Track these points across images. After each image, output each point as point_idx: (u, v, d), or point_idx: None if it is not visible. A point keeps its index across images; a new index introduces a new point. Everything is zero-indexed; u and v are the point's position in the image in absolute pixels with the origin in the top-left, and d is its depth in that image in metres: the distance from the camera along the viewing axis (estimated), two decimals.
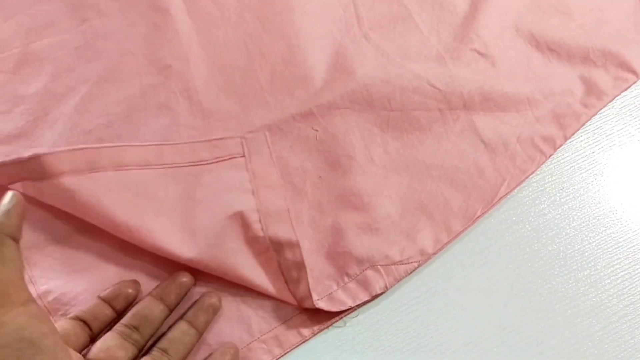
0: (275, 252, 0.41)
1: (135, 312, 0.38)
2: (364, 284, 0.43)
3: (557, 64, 0.49)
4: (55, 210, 0.41)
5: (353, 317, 0.43)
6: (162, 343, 0.38)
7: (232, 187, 0.43)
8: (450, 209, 0.45)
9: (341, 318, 0.43)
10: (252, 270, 0.42)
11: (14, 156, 0.39)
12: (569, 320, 0.43)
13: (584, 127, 0.48)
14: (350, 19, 0.49)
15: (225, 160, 0.43)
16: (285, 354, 0.42)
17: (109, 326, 0.39)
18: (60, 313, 0.41)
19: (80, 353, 0.34)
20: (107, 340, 0.37)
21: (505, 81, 0.48)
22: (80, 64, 0.46)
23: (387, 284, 0.43)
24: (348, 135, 0.46)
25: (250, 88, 0.47)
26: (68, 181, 0.39)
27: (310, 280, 0.41)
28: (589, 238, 0.45)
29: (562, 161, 0.47)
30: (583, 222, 0.46)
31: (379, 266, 0.43)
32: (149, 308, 0.39)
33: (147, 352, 0.38)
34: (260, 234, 0.41)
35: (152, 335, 0.39)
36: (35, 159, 0.39)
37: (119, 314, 0.39)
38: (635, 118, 0.49)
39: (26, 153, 0.39)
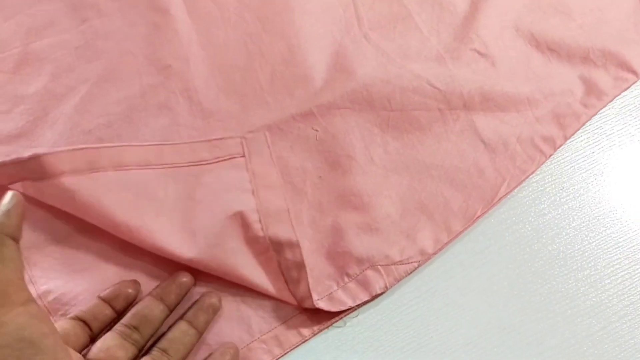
0: (275, 252, 0.41)
1: (135, 312, 0.38)
2: (364, 284, 0.43)
3: (557, 64, 0.49)
4: (55, 210, 0.41)
5: (353, 317, 0.43)
6: (162, 343, 0.38)
7: (232, 187, 0.43)
8: (450, 209, 0.45)
9: (341, 318, 0.43)
10: (252, 270, 0.42)
11: (13, 156, 0.39)
12: (569, 320, 0.43)
13: (584, 127, 0.48)
14: (350, 19, 0.49)
15: (225, 160, 0.43)
16: (285, 354, 0.42)
17: (109, 326, 0.39)
18: (60, 313, 0.41)
19: (80, 353, 0.34)
20: (107, 340, 0.37)
21: (505, 81, 0.48)
22: (80, 64, 0.46)
23: (387, 284, 0.43)
24: (348, 135, 0.46)
25: (250, 88, 0.47)
26: (68, 181, 0.39)
27: (310, 280, 0.41)
28: (589, 238, 0.45)
29: (562, 161, 0.47)
30: (583, 222, 0.46)
31: (379, 266, 0.43)
32: (149, 308, 0.39)
33: (147, 352, 0.38)
34: (260, 233, 0.41)
35: (152, 335, 0.39)
36: (35, 158, 0.39)
37: (119, 314, 0.39)
38: (635, 118, 0.49)
39: (26, 153, 0.39)
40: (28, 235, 0.42)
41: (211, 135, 0.45)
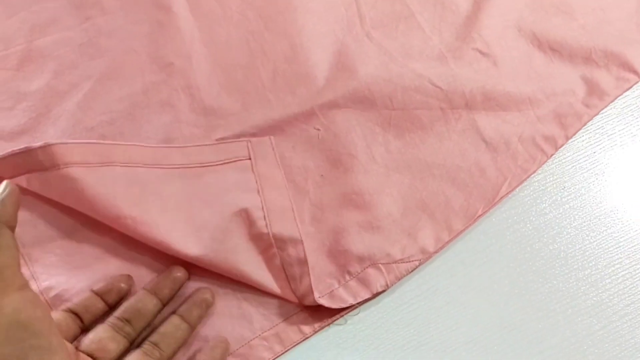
0: (278, 249, 0.41)
1: (129, 306, 0.38)
2: (365, 282, 0.43)
3: (559, 63, 0.49)
4: (58, 206, 0.42)
5: (354, 315, 0.43)
6: (154, 337, 0.38)
7: (237, 186, 0.43)
8: (451, 207, 0.45)
9: (342, 316, 0.43)
10: (255, 268, 0.42)
11: (23, 146, 0.39)
12: (569, 319, 0.43)
13: (585, 126, 0.48)
14: (352, 17, 0.49)
15: (231, 162, 0.44)
16: (286, 351, 0.42)
17: (100, 319, 0.39)
18: (61, 309, 0.41)
19: (71, 344, 0.35)
20: (99, 332, 0.37)
21: (507, 81, 0.48)
22: (83, 61, 0.47)
23: (388, 282, 0.43)
24: (350, 134, 0.46)
25: (252, 86, 0.47)
26: (76, 171, 0.39)
27: (312, 278, 0.41)
28: (590, 237, 0.45)
29: (563, 161, 0.47)
30: (584, 222, 0.46)
31: (380, 264, 0.43)
32: (142, 302, 0.39)
33: (138, 345, 0.38)
34: (265, 230, 0.41)
35: (144, 329, 0.39)
36: (46, 148, 0.39)
37: (111, 308, 0.39)
38: (636, 118, 0.49)
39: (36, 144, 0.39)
40: (30, 232, 0.42)
41: (213, 133, 0.45)
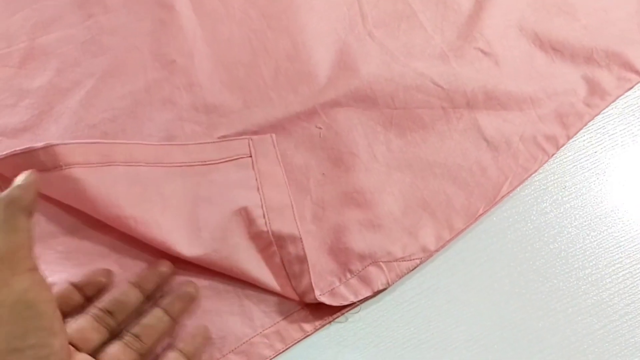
0: (278, 247, 0.42)
1: (112, 298, 0.38)
2: (366, 280, 0.43)
3: (561, 63, 0.49)
4: (60, 204, 0.42)
5: (355, 313, 0.43)
6: (136, 328, 0.38)
7: (237, 184, 0.43)
8: (452, 206, 0.45)
9: (343, 314, 0.43)
10: (255, 266, 0.42)
11: (25, 146, 0.39)
12: (569, 319, 0.44)
13: (586, 126, 0.48)
14: (354, 16, 0.49)
15: (232, 160, 0.44)
16: (287, 348, 0.42)
17: (77, 311, 0.38)
18: None
19: None
20: (80, 323, 0.37)
21: (508, 80, 0.48)
22: (86, 58, 0.47)
23: (389, 281, 0.43)
24: (351, 132, 0.46)
25: (254, 84, 0.47)
26: (78, 171, 0.39)
27: (313, 276, 0.41)
28: (590, 237, 0.46)
29: (564, 160, 0.48)
30: (585, 221, 0.46)
31: (381, 262, 0.43)
32: (125, 294, 0.39)
33: (120, 337, 0.37)
34: (264, 228, 0.42)
35: (125, 321, 0.39)
36: (47, 148, 0.39)
37: (88, 300, 0.39)
38: (638, 118, 0.49)
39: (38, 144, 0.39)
40: None
41: (214, 131, 0.45)
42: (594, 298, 0.44)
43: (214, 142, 0.44)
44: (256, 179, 0.43)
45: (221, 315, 0.42)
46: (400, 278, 0.43)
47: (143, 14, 0.47)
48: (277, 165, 0.44)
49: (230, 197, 0.42)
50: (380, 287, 0.43)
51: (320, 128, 0.46)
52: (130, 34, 0.47)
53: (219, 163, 0.43)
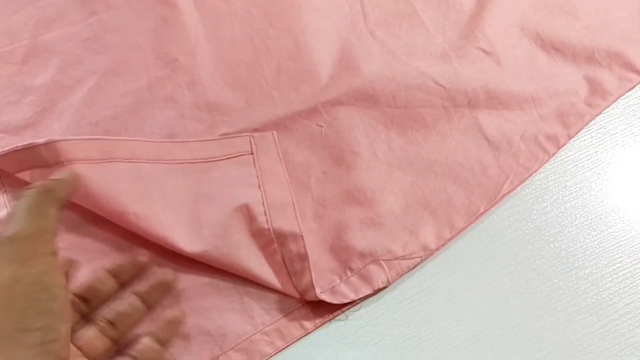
0: (279, 245, 0.42)
1: (86, 284, 0.37)
2: (367, 278, 0.43)
3: (562, 63, 0.49)
4: None
5: (355, 311, 0.43)
6: (111, 315, 0.37)
7: (239, 181, 0.43)
8: (453, 205, 0.45)
9: (343, 312, 0.43)
10: (256, 263, 0.42)
11: (27, 142, 0.39)
12: (569, 318, 0.44)
13: (587, 126, 0.48)
14: (356, 15, 0.49)
15: (233, 157, 0.44)
16: (288, 346, 0.42)
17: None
18: None
19: None
20: None
21: (510, 80, 0.48)
22: (89, 56, 0.47)
23: (390, 279, 0.43)
24: (353, 131, 0.46)
25: (256, 83, 0.47)
26: (80, 167, 0.39)
27: (313, 274, 0.41)
28: (590, 236, 0.46)
29: (565, 160, 0.48)
30: (585, 221, 0.46)
31: (381, 261, 0.43)
32: (100, 282, 0.38)
33: (94, 322, 0.36)
34: (265, 226, 0.42)
35: (98, 308, 0.38)
36: (49, 144, 0.39)
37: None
38: (639, 118, 0.49)
39: (40, 140, 0.40)
40: None
41: (216, 129, 0.45)
42: (594, 297, 0.44)
43: (215, 139, 0.44)
44: (257, 176, 0.43)
45: (222, 312, 0.42)
46: (400, 276, 0.44)
47: (146, 12, 0.48)
48: (279, 163, 0.44)
49: (232, 194, 0.42)
50: (381, 286, 0.43)
51: (321, 126, 0.46)
52: (132, 32, 0.47)
53: (220, 160, 0.43)
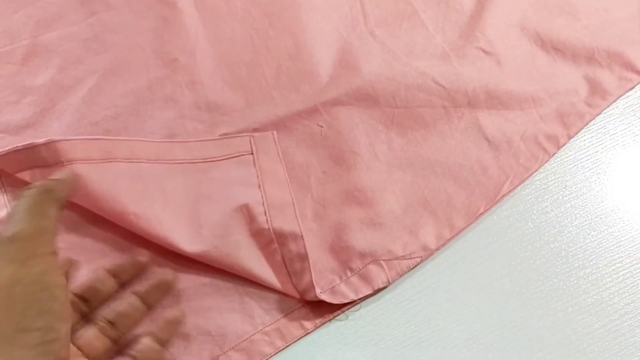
0: (279, 245, 0.42)
1: (86, 284, 0.37)
2: (367, 278, 0.43)
3: (562, 63, 0.49)
4: None
5: (355, 311, 0.43)
6: (111, 315, 0.37)
7: (239, 181, 0.43)
8: (453, 205, 0.45)
9: (343, 311, 0.43)
10: (256, 263, 0.42)
11: (27, 142, 0.39)
12: (569, 318, 0.44)
13: (587, 126, 0.48)
14: (356, 15, 0.49)
15: (233, 157, 0.44)
16: (288, 346, 0.42)
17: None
18: None
19: None
20: None
21: (510, 80, 0.48)
22: (89, 56, 0.47)
23: (390, 279, 0.43)
24: (352, 131, 0.46)
25: (256, 83, 0.47)
26: (80, 167, 0.39)
27: (313, 274, 0.41)
28: (590, 236, 0.46)
29: (565, 160, 0.48)
30: (585, 221, 0.46)
31: (381, 261, 0.43)
32: (101, 282, 0.37)
33: (94, 322, 0.36)
34: (265, 226, 0.42)
35: (97, 308, 0.37)
36: (49, 144, 0.39)
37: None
38: (639, 118, 0.49)
39: (40, 140, 0.40)
40: None
41: (216, 129, 0.45)
42: (594, 297, 0.44)
43: (215, 139, 0.44)
44: (257, 176, 0.43)
45: (222, 312, 0.42)
46: (400, 276, 0.44)
47: (146, 12, 0.48)
48: (279, 163, 0.44)
49: (231, 194, 0.42)
50: (381, 286, 0.43)
51: (321, 126, 0.46)
52: (132, 32, 0.47)
53: (220, 160, 0.43)
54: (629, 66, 0.49)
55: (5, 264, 0.27)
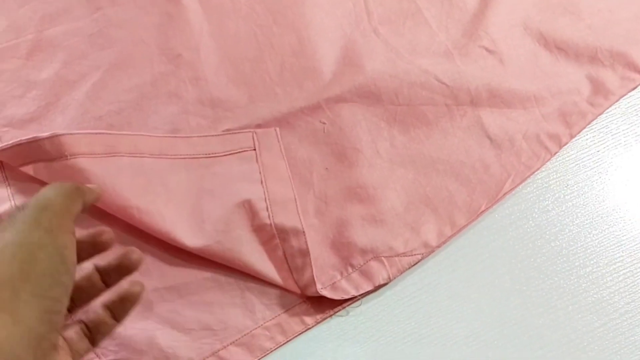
0: (280, 240, 0.42)
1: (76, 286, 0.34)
2: (368, 275, 0.43)
3: (565, 62, 0.49)
4: None
5: (356, 307, 0.43)
6: (89, 327, 0.33)
7: (241, 177, 0.43)
8: (454, 203, 0.45)
9: (344, 307, 0.43)
10: (258, 259, 0.42)
11: (31, 136, 0.40)
12: (570, 316, 0.44)
13: (589, 125, 0.48)
14: (360, 13, 0.49)
15: (236, 153, 0.44)
16: (288, 341, 0.43)
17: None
18: None
19: None
20: None
21: (512, 78, 0.48)
22: (93, 51, 0.47)
23: (391, 275, 0.43)
24: (355, 128, 0.46)
25: (260, 79, 0.47)
26: (84, 161, 0.40)
27: (315, 270, 0.42)
28: (592, 235, 0.46)
29: (567, 159, 0.48)
30: (586, 220, 0.46)
31: (382, 257, 0.44)
32: (88, 280, 0.34)
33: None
34: (267, 221, 0.42)
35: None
36: (53, 138, 0.40)
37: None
38: None
39: (44, 134, 0.40)
40: None
41: (220, 124, 0.45)
42: (595, 296, 0.44)
43: (218, 135, 0.44)
44: (260, 172, 0.43)
45: (223, 307, 0.43)
46: (401, 273, 0.44)
47: (150, 8, 0.48)
48: (281, 159, 0.45)
49: (234, 189, 0.42)
50: (382, 282, 0.43)
51: (324, 123, 0.46)
52: (137, 27, 0.47)
53: (222, 156, 0.43)
54: (632, 66, 0.49)
55: (33, 227, 0.27)
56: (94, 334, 0.33)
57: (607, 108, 0.48)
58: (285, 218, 0.42)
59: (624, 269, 0.45)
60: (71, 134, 0.40)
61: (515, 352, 0.43)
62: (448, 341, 0.43)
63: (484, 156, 0.47)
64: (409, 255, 0.44)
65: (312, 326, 0.43)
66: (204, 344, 0.42)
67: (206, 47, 0.47)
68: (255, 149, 0.44)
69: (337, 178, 0.46)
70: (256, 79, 0.47)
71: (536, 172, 0.47)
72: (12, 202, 0.43)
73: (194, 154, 0.43)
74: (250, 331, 0.42)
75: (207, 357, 0.42)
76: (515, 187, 0.46)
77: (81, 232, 0.33)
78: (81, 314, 0.34)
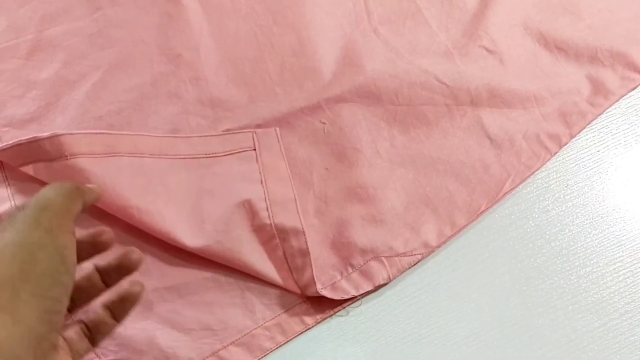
0: (280, 240, 0.42)
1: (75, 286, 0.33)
2: (368, 275, 0.43)
3: (565, 62, 0.49)
4: None
5: (356, 307, 0.43)
6: (89, 326, 0.33)
7: (241, 177, 0.43)
8: (454, 203, 0.45)
9: (344, 307, 0.43)
10: (258, 259, 0.42)
11: (31, 136, 0.40)
12: (569, 316, 0.44)
13: (589, 125, 0.48)
14: (360, 13, 0.49)
15: (236, 153, 0.44)
16: (288, 341, 0.43)
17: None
18: None
19: None
20: None
21: (512, 78, 0.48)
22: (93, 51, 0.47)
23: (391, 275, 0.43)
24: (355, 128, 0.46)
25: (260, 79, 0.47)
26: (83, 161, 0.40)
27: (315, 270, 0.42)
28: (592, 235, 0.46)
29: (567, 159, 0.48)
30: (586, 220, 0.46)
31: (382, 257, 0.44)
32: (89, 280, 0.34)
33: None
34: (267, 221, 0.42)
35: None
36: (53, 138, 0.40)
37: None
38: None
39: (44, 134, 0.40)
40: None
41: (220, 124, 0.45)
42: (595, 296, 0.44)
43: (218, 135, 0.44)
44: (260, 172, 0.43)
45: (223, 306, 0.43)
46: (401, 273, 0.44)
47: (150, 8, 0.48)
48: (281, 159, 0.45)
49: (234, 189, 0.42)
50: (382, 282, 0.43)
51: (324, 123, 0.46)
52: (137, 27, 0.47)
53: (223, 156, 0.43)
54: (632, 66, 0.49)
55: (33, 227, 0.27)
56: (94, 334, 0.33)
57: (607, 108, 0.48)
58: (285, 218, 0.42)
59: (624, 269, 0.45)
60: (71, 134, 0.40)
61: (515, 352, 0.43)
62: (448, 341, 0.43)
63: (484, 156, 0.47)
64: (409, 255, 0.44)
65: (312, 326, 0.43)
66: (204, 344, 0.42)
67: (206, 47, 0.47)
68: (255, 149, 0.44)
69: (337, 178, 0.46)
70: (256, 79, 0.47)
71: (536, 172, 0.47)
72: (12, 202, 0.43)
73: (194, 154, 0.43)
74: (250, 331, 0.42)
75: (207, 357, 0.42)
76: (515, 187, 0.46)
77: (81, 232, 0.33)
78: (81, 314, 0.34)
